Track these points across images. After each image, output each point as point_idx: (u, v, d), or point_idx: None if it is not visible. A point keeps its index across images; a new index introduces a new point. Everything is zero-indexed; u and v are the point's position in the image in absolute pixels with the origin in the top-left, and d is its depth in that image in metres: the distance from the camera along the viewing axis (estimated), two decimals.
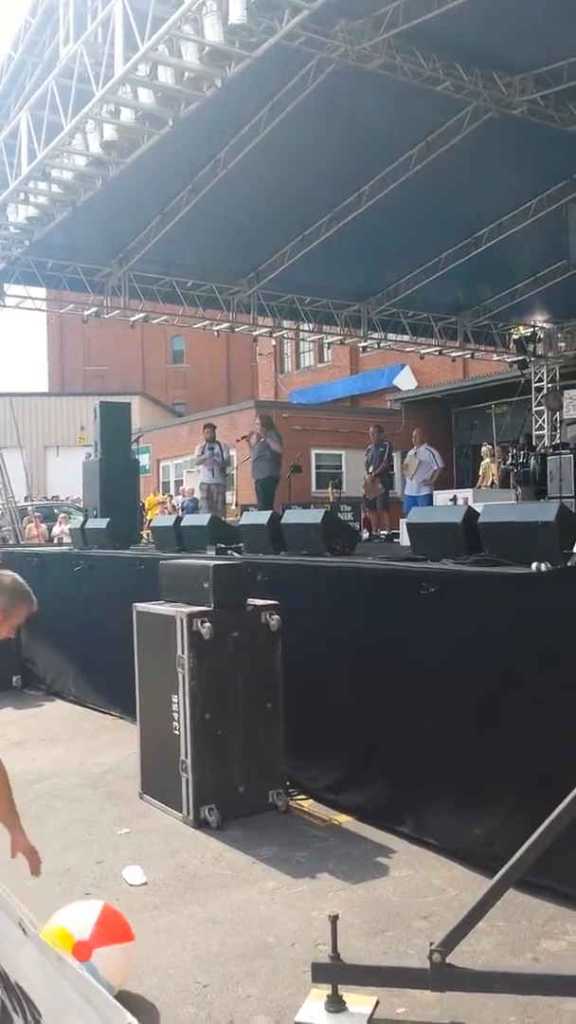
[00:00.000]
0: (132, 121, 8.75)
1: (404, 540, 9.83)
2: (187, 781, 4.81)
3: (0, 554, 10.03)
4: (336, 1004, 2.99)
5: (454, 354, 18.46)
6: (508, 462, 15.37)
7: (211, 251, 14.24)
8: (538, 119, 10.17)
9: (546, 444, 17.09)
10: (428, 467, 13.75)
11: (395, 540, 12.32)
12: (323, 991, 3.04)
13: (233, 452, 21.12)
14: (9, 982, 1.54)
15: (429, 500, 13.28)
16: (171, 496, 23.43)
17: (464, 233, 13.95)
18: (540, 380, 18.85)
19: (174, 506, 20.22)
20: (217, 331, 16.36)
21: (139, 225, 13.23)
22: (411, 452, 14.18)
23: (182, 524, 8.11)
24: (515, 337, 18.50)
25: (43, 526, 20.27)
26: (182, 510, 18.17)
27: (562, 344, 18.77)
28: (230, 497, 18.64)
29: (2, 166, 10.39)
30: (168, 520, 8.79)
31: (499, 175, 12.01)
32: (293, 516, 7.06)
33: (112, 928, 3.12)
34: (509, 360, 19.29)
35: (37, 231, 11.57)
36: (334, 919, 3.03)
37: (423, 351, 18.17)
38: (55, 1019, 1.38)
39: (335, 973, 3.04)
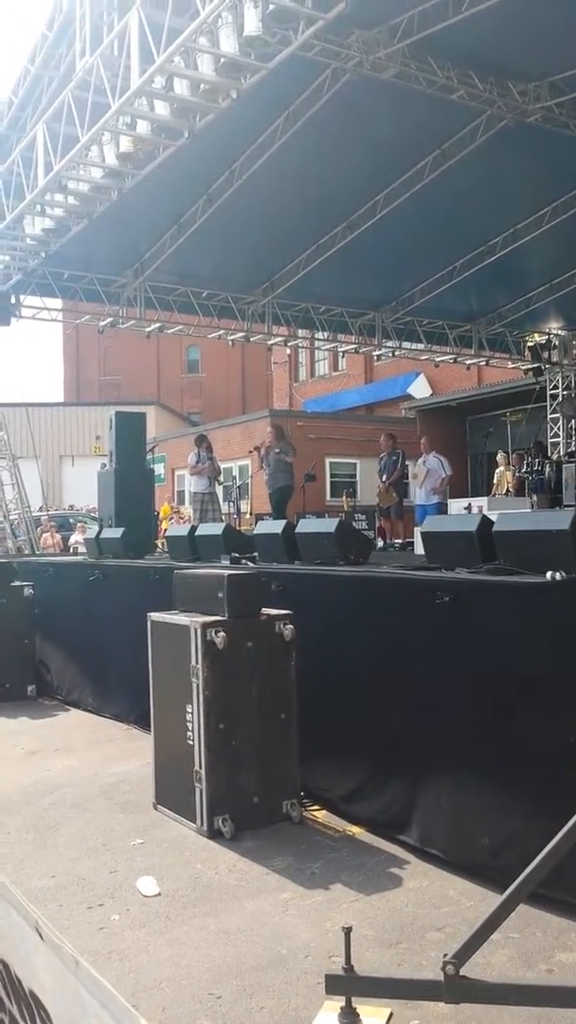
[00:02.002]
0: (148, 133, 8.81)
1: (419, 549, 9.83)
2: (201, 791, 4.80)
3: (15, 564, 10.07)
4: (350, 1016, 2.98)
5: (469, 362, 18.44)
6: (523, 470, 15.34)
7: (226, 261, 14.29)
8: (552, 126, 10.16)
9: (561, 452, 17.04)
10: (436, 475, 13.75)
11: (409, 549, 12.32)
12: (337, 1003, 3.03)
13: (247, 461, 21.18)
14: (22, 990, 1.54)
15: (439, 508, 13.27)
16: (182, 507, 23.48)
17: (479, 241, 13.94)
18: (555, 387, 18.80)
19: (182, 517, 20.24)
20: (232, 341, 16.41)
21: (155, 236, 13.30)
22: (419, 461, 14.19)
23: (196, 533, 8.13)
24: (530, 344, 18.47)
25: (58, 536, 20.37)
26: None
27: None
28: (244, 506, 18.69)
29: (19, 178, 10.47)
30: (183, 530, 8.82)
31: (514, 182, 12.01)
32: (307, 525, 7.07)
33: None
34: (524, 367, 19.26)
35: (53, 242, 11.65)
36: (347, 931, 3.01)
37: (438, 359, 18.14)
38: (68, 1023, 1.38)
39: (349, 985, 3.02)
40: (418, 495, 14.23)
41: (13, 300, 14.08)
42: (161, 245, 13.41)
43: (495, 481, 17.38)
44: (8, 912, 1.52)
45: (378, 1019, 2.98)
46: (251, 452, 14.90)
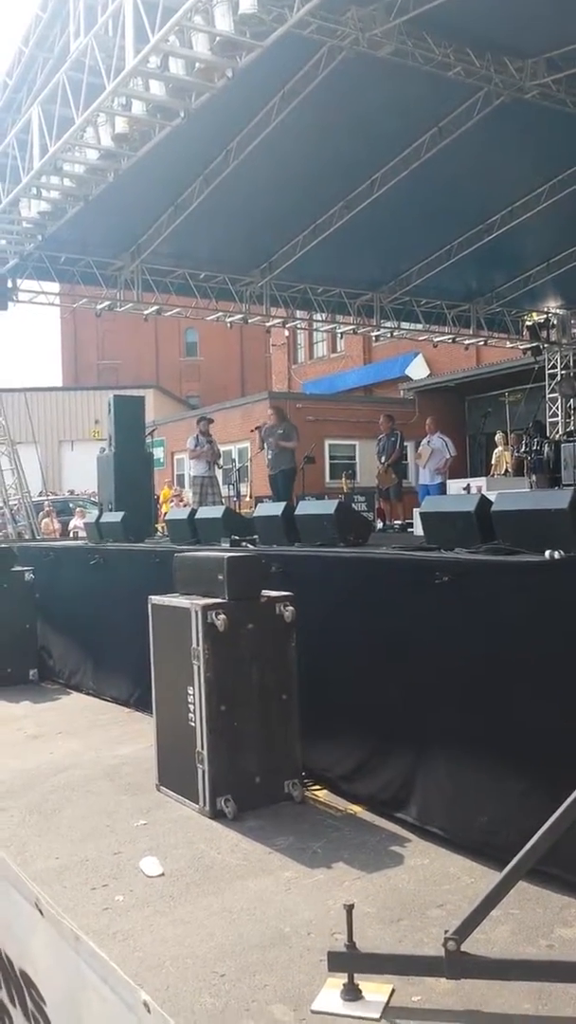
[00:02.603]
0: (143, 113, 8.77)
1: (418, 530, 9.84)
2: (203, 772, 4.83)
3: (16, 549, 10.08)
4: (352, 992, 3.01)
5: (467, 342, 18.40)
6: (522, 450, 15.34)
7: (224, 242, 14.24)
8: (550, 103, 10.11)
9: (560, 431, 17.02)
10: (440, 455, 13.77)
11: (409, 530, 12.32)
12: (339, 980, 3.06)
13: (247, 444, 21.14)
14: (12, 971, 1.54)
15: (442, 488, 13.29)
16: (183, 490, 23.47)
17: (476, 220, 13.89)
18: (554, 367, 18.76)
19: (182, 500, 20.21)
20: (230, 323, 16.36)
21: (151, 218, 13.24)
22: (424, 441, 14.19)
23: (196, 517, 8.13)
24: (528, 324, 18.42)
25: (56, 523, 20.39)
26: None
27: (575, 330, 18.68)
28: (244, 489, 18.66)
29: (14, 161, 10.41)
30: (183, 513, 8.81)
31: (511, 160, 11.95)
32: (307, 507, 7.06)
33: None
34: (522, 347, 19.21)
35: (50, 226, 11.60)
36: (350, 908, 3.05)
37: (436, 339, 18.11)
38: (68, 1001, 1.39)
39: (351, 962, 3.06)
40: (421, 475, 14.24)
41: (10, 284, 14.03)
42: (158, 227, 13.35)
43: (493, 461, 17.38)
44: (7, 891, 1.53)
45: (380, 995, 3.02)
46: (252, 432, 14.86)
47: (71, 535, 18.33)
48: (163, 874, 4.12)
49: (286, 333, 26.55)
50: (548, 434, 16.21)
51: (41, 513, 19.49)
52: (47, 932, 1.41)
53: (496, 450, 17.15)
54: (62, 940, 1.36)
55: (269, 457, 13.53)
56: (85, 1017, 1.32)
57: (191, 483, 14.51)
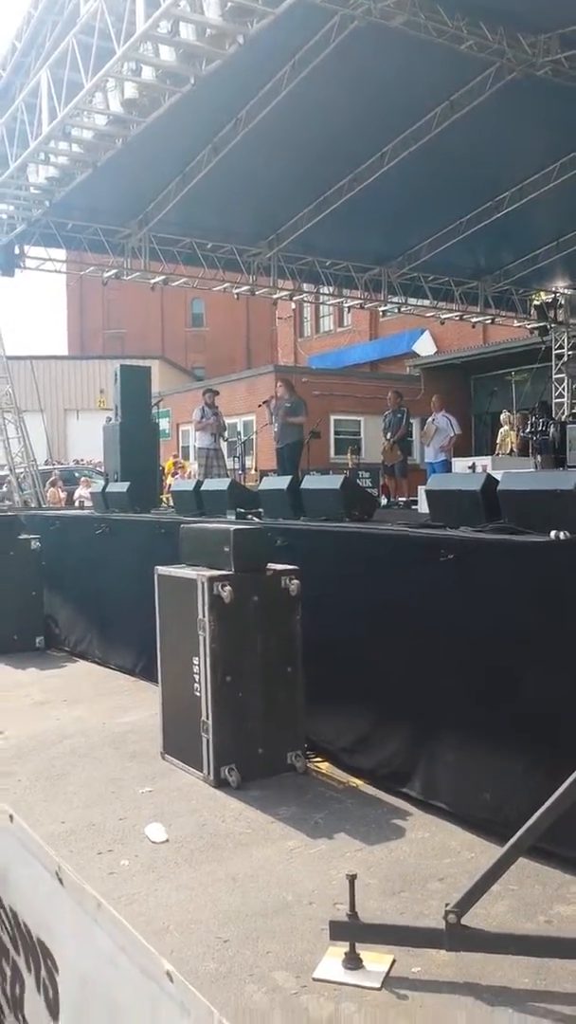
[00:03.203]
0: (153, 79, 8.67)
1: (422, 507, 9.85)
2: (208, 741, 4.88)
3: (23, 517, 10.11)
4: (353, 962, 3.07)
5: (474, 319, 18.30)
6: (527, 430, 15.31)
7: (232, 212, 14.13)
8: (562, 80, 9.98)
9: (566, 412, 16.98)
10: (445, 433, 13.77)
11: (413, 507, 12.34)
12: (340, 949, 3.11)
13: (252, 417, 21.09)
14: (29, 938, 1.56)
15: (446, 466, 13.29)
16: (186, 461, 23.40)
17: (486, 196, 13.76)
18: (561, 347, 18.68)
19: (187, 473, 20.16)
20: (237, 294, 16.26)
21: (160, 186, 13.13)
22: (429, 419, 14.17)
23: (202, 488, 8.14)
24: (536, 303, 18.32)
25: (62, 493, 20.40)
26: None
27: None
28: (249, 462, 18.65)
29: (23, 125, 10.32)
30: (188, 484, 8.82)
31: (522, 137, 11.82)
32: (312, 482, 7.07)
33: None
34: (530, 326, 19.12)
35: (57, 192, 11.52)
36: (352, 878, 3.09)
37: (443, 316, 18.01)
38: (82, 972, 1.40)
39: (352, 931, 3.11)
40: (426, 453, 14.23)
41: (17, 251, 13.94)
42: (166, 195, 13.25)
43: (499, 441, 17.34)
44: (26, 858, 1.54)
45: (381, 965, 3.07)
46: (260, 406, 14.77)
47: (76, 504, 18.34)
48: (168, 840, 4.17)
49: (292, 306, 26.37)
50: (554, 415, 16.16)
51: (48, 482, 19.52)
52: (65, 901, 1.42)
53: (501, 429, 17.12)
54: (81, 910, 1.36)
55: (275, 430, 13.50)
56: (98, 990, 1.33)
57: (196, 455, 14.42)
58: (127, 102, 9.01)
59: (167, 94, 9.13)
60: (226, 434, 14.35)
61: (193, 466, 21.98)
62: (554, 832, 3.07)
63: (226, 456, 14.96)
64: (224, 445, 14.72)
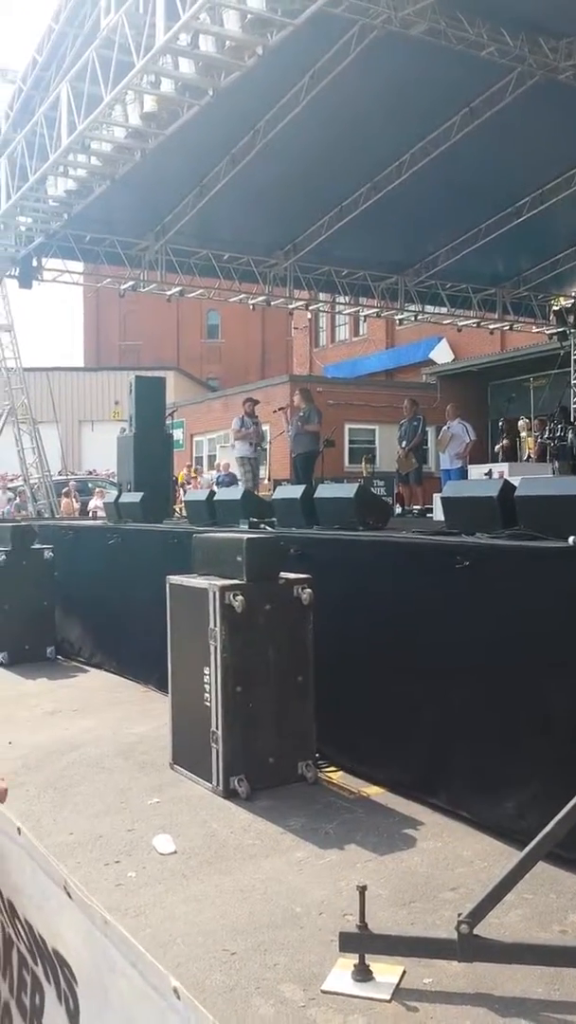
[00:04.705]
0: (172, 92, 8.71)
1: (437, 515, 9.79)
2: (217, 752, 4.84)
3: (36, 527, 10.12)
4: (363, 973, 3.01)
5: (492, 326, 18.23)
6: (545, 436, 15.21)
7: (248, 223, 14.15)
8: None
9: None
10: (460, 440, 13.72)
11: (428, 515, 12.29)
12: (350, 960, 3.06)
13: (267, 426, 21.08)
14: (46, 949, 1.55)
15: (462, 473, 13.24)
16: (200, 470, 23.43)
17: (505, 202, 13.72)
18: None
19: (199, 482, 20.18)
20: (253, 305, 16.28)
21: (177, 198, 13.18)
22: (444, 427, 14.13)
23: (215, 498, 8.13)
24: (555, 308, 18.22)
25: (76, 504, 20.49)
26: (217, 485, 18.21)
27: None
28: (263, 472, 18.63)
29: (42, 139, 10.38)
30: (201, 494, 8.81)
31: (542, 142, 11.79)
32: (326, 490, 7.04)
33: None
34: (548, 332, 19.01)
35: (76, 204, 11.57)
36: (362, 889, 3.04)
37: (461, 323, 17.95)
38: (97, 984, 1.39)
39: (362, 943, 3.06)
40: (442, 460, 14.19)
41: (35, 263, 14.02)
42: (183, 207, 13.29)
43: (503, 445, 17.25)
44: (34, 871, 1.53)
45: (391, 977, 3.01)
46: (276, 412, 14.73)
47: (90, 515, 18.40)
48: (176, 852, 4.13)
49: (308, 316, 26.44)
50: (572, 420, 16.04)
51: (62, 492, 19.60)
52: (75, 914, 1.41)
53: (521, 435, 17.03)
54: (90, 923, 1.36)
55: (290, 439, 13.48)
56: (114, 1000, 1.32)
57: (238, 464, 14.31)
58: (146, 115, 9.05)
59: (186, 106, 9.16)
60: (264, 443, 14.16)
61: (211, 475, 22.05)
62: (572, 838, 3.01)
63: (239, 467, 14.92)
64: (259, 453, 14.51)
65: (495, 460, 16.39)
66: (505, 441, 16.98)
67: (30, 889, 1.57)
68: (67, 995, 1.49)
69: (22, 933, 1.64)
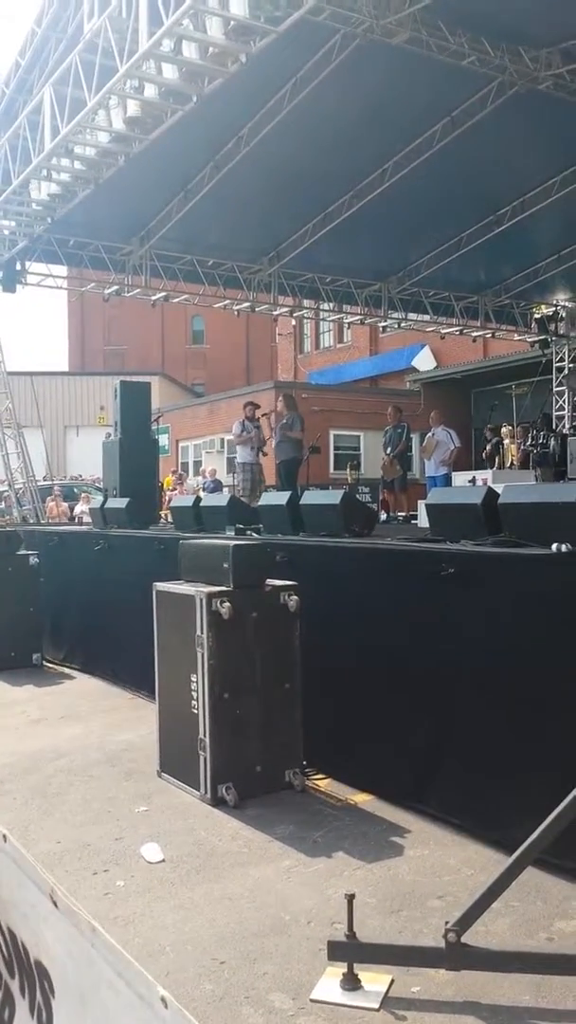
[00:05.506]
0: (156, 97, 8.71)
1: (422, 522, 9.83)
2: (205, 760, 4.83)
3: (21, 533, 10.08)
4: (352, 982, 3.01)
5: (475, 334, 18.33)
6: (528, 443, 15.30)
7: (233, 230, 14.18)
8: (564, 94, 10.01)
9: (567, 425, 16.97)
10: (445, 447, 13.79)
11: (413, 522, 12.32)
12: (339, 969, 3.06)
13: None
14: (27, 960, 1.53)
15: (447, 480, 13.29)
16: (184, 475, 23.37)
17: (487, 211, 13.80)
18: (562, 360, 18.70)
19: (184, 489, 20.11)
20: (237, 311, 16.30)
21: (161, 203, 13.18)
22: (429, 433, 14.18)
23: (201, 505, 8.12)
24: (537, 316, 18.35)
25: (64, 504, 20.42)
26: (203, 491, 18.19)
27: None
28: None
29: (25, 142, 10.36)
30: (188, 500, 8.80)
31: (523, 151, 11.88)
32: (312, 497, 7.05)
33: None
34: (530, 340, 19.15)
35: (59, 208, 11.54)
36: (350, 898, 3.05)
37: (444, 331, 18.04)
38: (76, 996, 1.38)
39: (351, 951, 3.06)
40: (427, 467, 14.23)
41: (18, 267, 13.98)
42: (167, 212, 13.29)
43: (486, 453, 17.32)
44: (21, 879, 1.52)
45: (380, 985, 3.02)
46: (262, 417, 14.63)
47: (76, 520, 18.33)
48: (164, 860, 4.12)
49: (292, 322, 26.43)
50: (555, 427, 16.16)
51: (49, 497, 19.52)
52: (61, 924, 1.39)
53: (503, 442, 17.11)
54: (77, 932, 1.34)
55: (274, 446, 13.46)
56: (95, 1012, 1.31)
57: (239, 469, 13.89)
58: (129, 120, 9.04)
59: (169, 112, 9.16)
60: (266, 448, 13.82)
61: (196, 480, 21.98)
62: (558, 844, 3.02)
63: (225, 472, 14.83)
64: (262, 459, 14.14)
65: (482, 467, 16.46)
66: (489, 448, 17.07)
67: (16, 898, 1.56)
68: (41, 1008, 1.48)
69: (1, 944, 1.63)
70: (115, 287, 14.89)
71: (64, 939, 1.38)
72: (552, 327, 18.40)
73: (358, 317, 17.35)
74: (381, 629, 5.10)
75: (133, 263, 14.42)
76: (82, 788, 5.20)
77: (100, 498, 11.83)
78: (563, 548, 4.08)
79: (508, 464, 16.26)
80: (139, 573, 6.92)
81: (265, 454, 13.81)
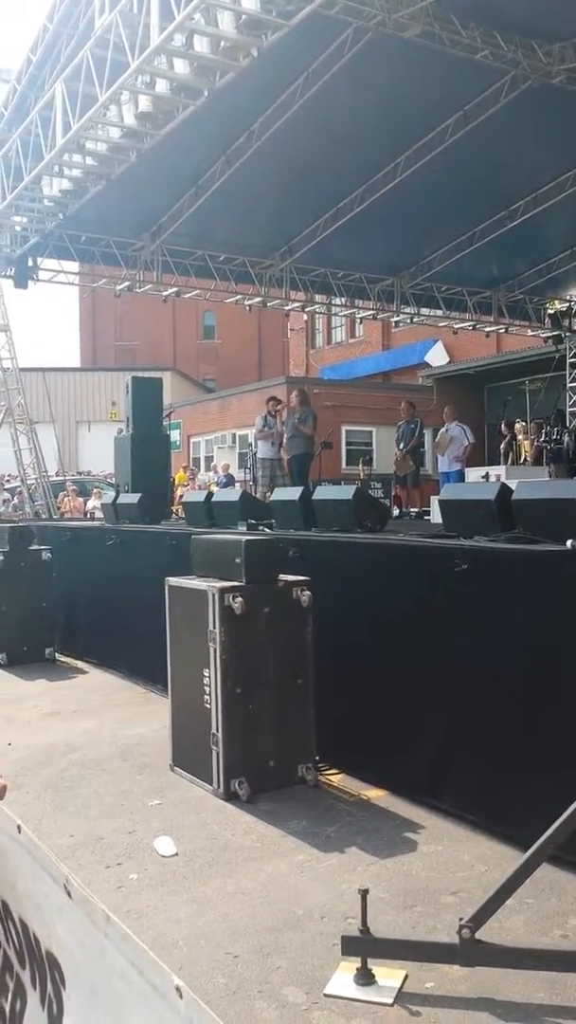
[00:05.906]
0: (167, 92, 8.69)
1: (435, 517, 9.80)
2: (218, 754, 4.84)
3: (34, 528, 10.11)
4: (365, 977, 3.01)
5: (488, 329, 18.23)
6: (541, 439, 15.21)
7: (244, 224, 14.15)
8: None
9: None
10: (459, 443, 13.72)
11: (425, 518, 12.29)
12: (352, 964, 3.06)
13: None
14: (38, 950, 1.53)
15: (461, 476, 13.24)
16: (196, 471, 23.37)
17: (500, 205, 13.74)
18: (575, 356, 18.59)
19: (195, 485, 20.08)
20: (249, 306, 16.27)
21: (172, 198, 13.17)
22: (442, 429, 14.12)
23: (213, 500, 8.13)
24: (550, 311, 18.24)
25: (79, 500, 20.46)
26: (216, 486, 18.17)
27: None
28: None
29: (37, 139, 10.36)
30: (199, 495, 8.81)
31: (537, 145, 11.82)
32: (324, 492, 7.04)
33: None
34: (544, 335, 19.04)
35: (71, 204, 11.54)
36: (364, 893, 3.04)
37: (456, 326, 17.97)
38: (87, 986, 1.37)
39: (365, 946, 3.06)
40: (441, 463, 14.18)
41: (30, 263, 13.99)
42: (179, 208, 13.28)
43: (509, 448, 17.23)
44: (35, 870, 1.52)
45: (393, 981, 3.01)
46: (278, 408, 14.52)
47: (88, 515, 18.38)
48: (177, 854, 4.13)
49: (304, 317, 26.38)
50: (568, 423, 16.06)
51: (63, 493, 19.58)
52: (74, 913, 1.39)
53: (517, 439, 17.03)
54: (90, 922, 1.34)
55: (286, 442, 13.43)
56: (106, 1002, 1.30)
57: (259, 465, 13.82)
58: (141, 115, 9.03)
59: (181, 107, 9.16)
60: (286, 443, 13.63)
61: (209, 475, 21.96)
62: (572, 841, 3.01)
63: (236, 468, 14.81)
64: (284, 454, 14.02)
65: (495, 463, 16.39)
66: (503, 445, 17.00)
67: (29, 888, 1.55)
68: (52, 999, 1.47)
69: (13, 935, 1.62)
70: (127, 283, 14.89)
71: (76, 929, 1.38)
72: (566, 322, 18.27)
73: (370, 312, 17.30)
74: (393, 625, 5.09)
75: (145, 258, 14.42)
76: (95, 782, 5.21)
77: (112, 494, 11.85)
78: None
79: (521, 460, 16.17)
80: (151, 568, 6.93)
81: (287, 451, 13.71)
